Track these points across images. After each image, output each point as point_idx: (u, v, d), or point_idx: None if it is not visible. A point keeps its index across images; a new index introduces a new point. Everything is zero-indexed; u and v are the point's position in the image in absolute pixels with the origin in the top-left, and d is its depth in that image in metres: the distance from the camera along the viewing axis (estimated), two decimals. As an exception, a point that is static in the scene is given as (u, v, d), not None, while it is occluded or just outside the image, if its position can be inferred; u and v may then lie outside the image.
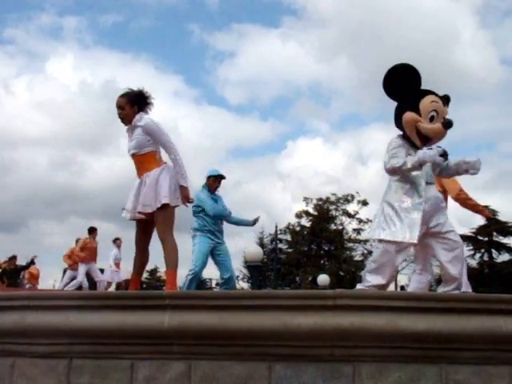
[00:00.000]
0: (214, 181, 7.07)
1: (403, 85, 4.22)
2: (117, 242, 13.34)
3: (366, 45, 53.03)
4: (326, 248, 38.26)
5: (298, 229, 38.35)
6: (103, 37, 67.82)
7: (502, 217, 31.30)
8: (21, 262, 14.34)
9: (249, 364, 3.13)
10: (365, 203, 36.99)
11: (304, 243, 38.00)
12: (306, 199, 38.58)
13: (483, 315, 3.09)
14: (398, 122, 4.29)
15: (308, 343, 3.08)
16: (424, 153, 4.08)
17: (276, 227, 25.90)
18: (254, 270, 18.03)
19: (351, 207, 38.09)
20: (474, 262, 30.57)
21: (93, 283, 12.16)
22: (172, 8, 63.90)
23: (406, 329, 3.02)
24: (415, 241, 4.04)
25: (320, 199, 38.32)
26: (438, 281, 4.53)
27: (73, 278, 12.33)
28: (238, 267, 34.84)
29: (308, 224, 38.40)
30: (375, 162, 54.69)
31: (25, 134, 59.20)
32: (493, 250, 31.55)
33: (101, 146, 63.33)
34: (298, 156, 56.36)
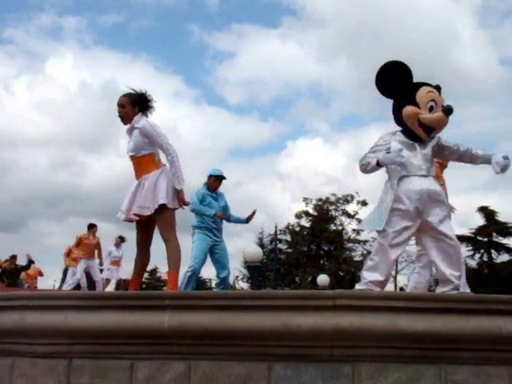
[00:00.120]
0: (214, 180, 7.09)
1: (396, 81, 4.25)
2: (117, 240, 13.39)
3: (366, 45, 53.06)
4: (326, 248, 38.27)
5: (297, 229, 38.36)
6: (103, 37, 67.90)
7: (501, 217, 31.32)
8: (21, 261, 14.35)
9: (248, 364, 3.13)
10: (364, 203, 36.98)
11: (304, 243, 38.01)
12: (305, 199, 38.64)
13: (482, 316, 3.10)
14: (398, 119, 4.30)
15: (308, 343, 3.09)
16: (384, 156, 4.15)
17: (276, 227, 25.88)
18: (254, 270, 18.02)
19: (351, 207, 38.15)
20: (473, 263, 30.56)
21: (92, 282, 12.14)
22: (172, 8, 63.97)
23: (406, 329, 3.03)
24: (380, 228, 4.07)
25: (320, 199, 38.35)
26: (437, 281, 4.48)
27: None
28: (237, 267, 34.97)
29: (308, 224, 38.42)
30: (375, 162, 54.44)
31: (25, 135, 59.26)
32: (492, 251, 31.50)
33: (101, 147, 63.35)
34: (298, 156, 56.40)
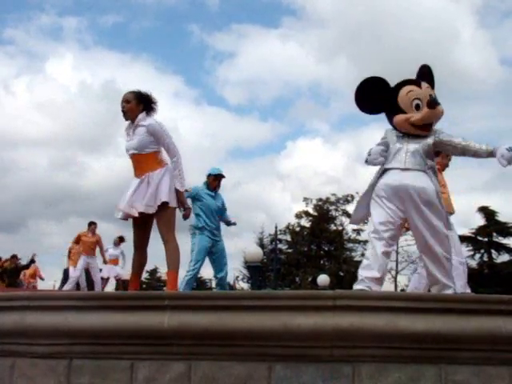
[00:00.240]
0: (213, 179, 7.10)
1: (375, 98, 4.24)
2: (115, 240, 13.41)
3: (366, 45, 53.03)
4: (326, 248, 38.28)
5: (297, 229, 38.36)
6: (103, 37, 67.84)
7: (501, 217, 31.33)
8: (23, 261, 14.35)
9: (249, 364, 3.13)
10: (364, 203, 36.93)
11: (304, 243, 38.01)
12: (305, 199, 38.64)
13: (482, 316, 3.09)
14: (396, 129, 4.29)
15: (308, 343, 3.09)
16: (367, 157, 4.21)
17: (276, 228, 25.88)
18: (254, 270, 18.03)
19: (351, 207, 37.99)
20: (473, 263, 30.55)
21: (92, 282, 12.13)
22: (172, 8, 63.93)
23: (406, 329, 3.03)
24: (354, 223, 4.16)
25: (320, 199, 38.35)
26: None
27: None
28: (237, 267, 34.96)
29: (308, 224, 38.42)
30: (375, 162, 54.44)
31: (25, 135, 59.23)
32: (492, 251, 31.50)
33: (100, 147, 63.34)
34: (298, 156, 56.35)
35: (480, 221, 31.68)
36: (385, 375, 3.03)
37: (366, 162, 4.24)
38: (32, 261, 14.21)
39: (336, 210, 38.64)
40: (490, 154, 4.10)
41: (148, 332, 3.23)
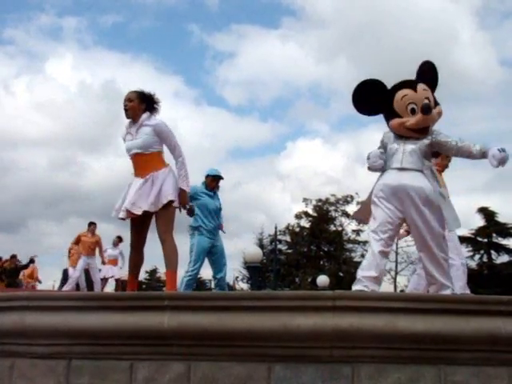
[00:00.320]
0: (211, 180, 7.08)
1: (372, 100, 4.25)
2: (114, 240, 13.42)
3: (366, 46, 53.01)
4: (326, 249, 38.28)
5: (297, 230, 38.36)
6: (103, 37, 67.81)
7: (501, 218, 31.29)
8: (21, 262, 14.35)
9: (248, 365, 3.13)
10: (364, 204, 36.95)
11: (303, 244, 38.02)
12: (305, 200, 38.64)
13: (482, 316, 3.09)
14: (393, 132, 4.30)
15: (307, 344, 3.09)
16: (367, 160, 4.20)
17: (275, 228, 25.88)
18: (254, 270, 18.01)
19: (351, 208, 38.03)
20: (473, 264, 30.53)
21: (90, 282, 12.13)
22: (172, 8, 63.91)
23: (405, 330, 3.03)
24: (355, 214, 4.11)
25: (319, 200, 38.35)
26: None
27: None
28: (237, 268, 34.95)
29: (307, 225, 38.43)
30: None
31: (24, 135, 59.15)
32: (492, 252, 31.49)
33: (100, 147, 63.30)
34: (298, 157, 56.29)
35: (480, 221, 31.70)
36: (384, 376, 3.04)
37: (369, 168, 4.25)
38: (31, 261, 14.21)
39: (336, 210, 38.65)
40: (483, 154, 4.08)
41: (148, 332, 3.23)
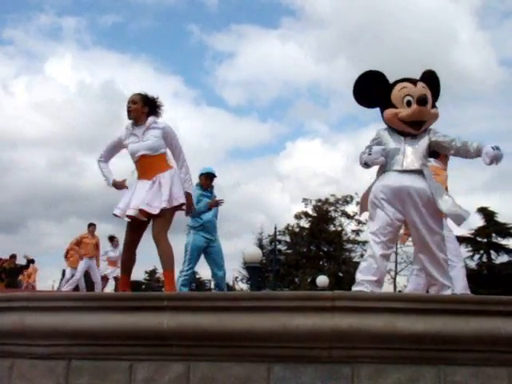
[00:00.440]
0: (205, 178, 7.05)
1: (371, 91, 4.23)
2: (115, 241, 13.35)
3: (365, 46, 53.08)
4: (325, 249, 38.27)
5: (297, 230, 38.37)
6: (102, 37, 67.94)
7: (500, 218, 31.29)
8: (21, 261, 14.34)
9: (248, 365, 3.13)
10: (364, 204, 36.90)
11: (303, 244, 38.02)
12: (305, 200, 38.65)
13: (482, 317, 3.09)
14: (386, 124, 4.28)
15: (307, 344, 3.09)
16: (366, 157, 4.11)
17: (275, 228, 25.92)
18: (253, 271, 18.00)
19: (350, 208, 38.09)
20: (472, 264, 30.54)
21: (91, 283, 12.12)
22: (171, 9, 64.00)
23: (405, 330, 3.03)
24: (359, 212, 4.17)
25: (319, 200, 38.34)
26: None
27: (72, 276, 12.29)
28: (237, 268, 34.96)
29: (307, 225, 38.42)
30: (374, 163, 54.46)
31: (24, 135, 59.26)
32: (492, 252, 31.49)
33: (100, 147, 61.02)
34: (297, 157, 56.36)
35: (479, 221, 31.67)
36: (384, 376, 3.03)
37: (366, 164, 4.14)
38: (32, 261, 14.19)
39: (335, 210, 38.64)
40: (479, 152, 4.05)
41: (147, 333, 3.23)
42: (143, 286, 37.91)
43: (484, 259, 31.32)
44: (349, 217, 38.06)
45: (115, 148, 4.97)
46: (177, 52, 67.55)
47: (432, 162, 5.12)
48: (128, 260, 4.85)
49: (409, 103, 4.12)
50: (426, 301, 3.26)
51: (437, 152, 4.63)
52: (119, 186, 4.95)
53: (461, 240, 6.01)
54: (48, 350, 3.43)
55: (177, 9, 64.17)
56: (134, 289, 5.15)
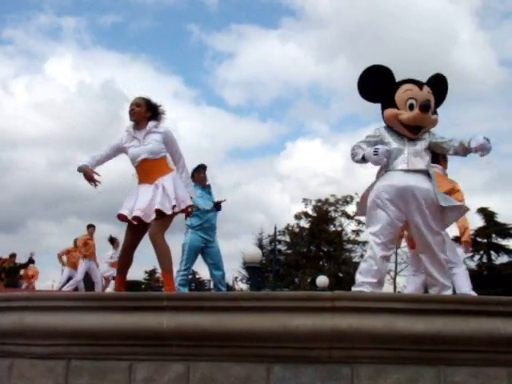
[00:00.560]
0: (198, 173, 6.97)
1: (377, 85, 4.20)
2: (117, 242, 13.35)
3: (365, 46, 53.02)
4: (325, 249, 38.27)
5: (297, 230, 38.38)
6: (102, 37, 67.88)
7: (500, 218, 31.31)
8: (21, 261, 14.34)
9: (247, 365, 3.13)
10: (364, 204, 36.89)
11: (303, 244, 38.02)
12: (305, 200, 38.67)
13: (481, 317, 3.09)
14: (385, 122, 4.26)
15: (306, 345, 3.08)
16: (370, 155, 4.05)
17: (275, 228, 25.90)
18: (253, 271, 18.00)
19: (350, 208, 38.10)
20: (472, 264, 30.56)
21: (91, 284, 12.13)
22: (171, 8, 63.94)
23: (404, 330, 3.03)
24: (359, 213, 4.20)
25: (319, 200, 38.36)
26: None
27: (70, 277, 12.30)
28: (236, 268, 34.95)
29: (307, 225, 38.43)
30: (374, 163, 54.46)
31: (24, 135, 59.24)
32: (492, 252, 31.51)
33: (100, 147, 60.97)
34: (297, 157, 56.33)
35: (479, 222, 31.68)
36: (383, 376, 3.03)
37: (363, 159, 4.11)
38: (31, 260, 14.17)
39: (335, 210, 38.66)
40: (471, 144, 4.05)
41: (147, 333, 3.23)
42: (143, 286, 37.89)
43: (484, 260, 31.34)
44: (349, 217, 38.08)
45: (114, 152, 4.95)
46: (177, 52, 67.59)
47: (435, 168, 5.01)
48: (125, 262, 4.90)
49: (411, 106, 4.10)
50: (425, 301, 3.26)
51: (435, 157, 4.63)
52: (88, 175, 4.81)
53: (460, 240, 6.00)
54: (48, 349, 3.43)
55: (177, 9, 64.19)
56: (133, 289, 5.16)
